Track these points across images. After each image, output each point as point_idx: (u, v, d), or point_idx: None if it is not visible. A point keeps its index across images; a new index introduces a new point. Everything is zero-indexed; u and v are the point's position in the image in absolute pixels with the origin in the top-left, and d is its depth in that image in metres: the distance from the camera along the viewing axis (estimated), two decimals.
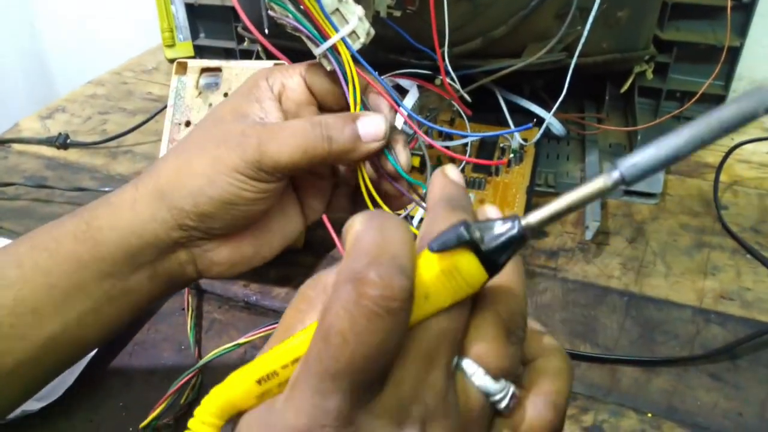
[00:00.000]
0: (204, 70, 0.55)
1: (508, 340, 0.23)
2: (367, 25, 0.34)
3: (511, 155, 0.65)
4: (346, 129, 0.34)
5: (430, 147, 0.65)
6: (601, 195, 0.20)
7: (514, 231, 0.21)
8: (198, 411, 0.23)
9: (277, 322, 0.48)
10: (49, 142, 0.74)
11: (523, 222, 0.21)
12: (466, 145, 0.64)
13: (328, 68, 0.35)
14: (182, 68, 0.56)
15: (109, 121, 0.81)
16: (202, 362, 0.44)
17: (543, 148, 0.69)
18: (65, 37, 1.22)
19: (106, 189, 0.66)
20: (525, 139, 0.65)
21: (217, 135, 0.34)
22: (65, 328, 0.34)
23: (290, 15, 0.33)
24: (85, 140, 0.75)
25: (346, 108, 0.35)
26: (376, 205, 0.37)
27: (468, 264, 0.21)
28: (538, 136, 0.64)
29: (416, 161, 0.62)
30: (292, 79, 0.36)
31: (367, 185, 0.36)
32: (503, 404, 0.23)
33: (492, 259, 0.21)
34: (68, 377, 0.44)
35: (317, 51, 0.34)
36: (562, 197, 0.20)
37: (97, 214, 0.35)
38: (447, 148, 0.65)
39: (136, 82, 0.90)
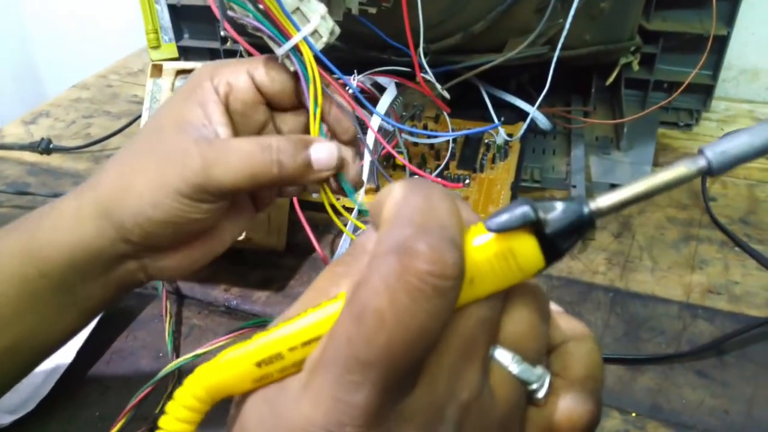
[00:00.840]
0: (179, 72, 0.54)
1: (542, 320, 0.21)
2: (330, 23, 0.33)
3: (496, 152, 0.64)
4: (298, 156, 0.32)
5: (415, 145, 0.65)
6: (682, 182, 0.18)
7: (584, 215, 0.19)
8: (179, 392, 0.20)
9: (252, 324, 0.47)
10: (31, 147, 0.74)
11: (593, 205, 0.19)
12: (449, 142, 0.63)
13: (291, 69, 0.34)
14: (157, 71, 0.55)
15: (94, 125, 0.80)
16: (161, 374, 0.43)
17: (529, 143, 0.68)
18: (53, 41, 1.22)
19: None
20: (510, 135, 0.64)
21: (158, 150, 0.33)
22: (18, 340, 0.33)
23: (250, 15, 0.32)
24: (69, 145, 0.75)
25: (299, 107, 0.34)
26: (339, 215, 0.36)
27: (528, 248, 0.18)
28: (522, 130, 0.63)
29: (398, 161, 0.62)
30: (239, 77, 0.34)
31: (329, 197, 0.36)
32: (542, 393, 0.21)
33: (554, 245, 0.18)
34: (42, 389, 0.44)
35: (279, 51, 0.33)
36: (638, 182, 0.19)
37: (42, 226, 0.34)
38: (431, 147, 0.65)
39: (121, 84, 0.89)
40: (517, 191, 0.61)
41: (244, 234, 0.50)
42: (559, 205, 0.19)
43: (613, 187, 0.60)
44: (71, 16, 1.16)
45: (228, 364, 0.20)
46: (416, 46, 0.52)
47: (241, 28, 0.34)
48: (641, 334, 0.49)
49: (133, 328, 0.50)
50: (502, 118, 0.59)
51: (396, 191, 0.19)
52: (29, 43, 1.24)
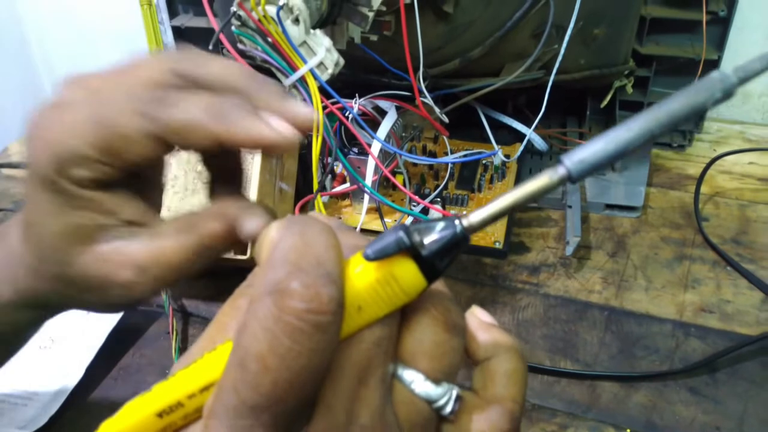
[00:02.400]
0: None
1: (448, 336, 0.21)
2: (335, 55, 0.35)
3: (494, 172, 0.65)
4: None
5: (414, 165, 0.66)
6: (546, 192, 0.19)
7: (457, 233, 0.19)
8: None
9: None
10: None
11: (465, 223, 0.19)
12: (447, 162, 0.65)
13: (298, 99, 0.35)
14: None
15: None
16: None
17: (526, 164, 0.70)
18: (56, 59, 1.23)
19: None
20: (507, 155, 0.66)
21: (80, 281, 0.28)
22: None
23: (259, 47, 0.34)
24: None
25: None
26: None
27: (407, 271, 0.19)
28: (519, 152, 0.65)
29: (400, 179, 0.63)
30: (91, 170, 0.26)
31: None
32: (448, 409, 0.21)
33: (433, 265, 0.19)
34: (52, 405, 0.45)
35: (286, 82, 0.35)
36: (504, 195, 0.19)
37: None
38: (431, 167, 0.66)
39: None
40: (515, 211, 0.63)
41: (248, 253, 0.51)
42: (434, 226, 0.19)
43: (609, 207, 0.61)
44: (74, 35, 1.18)
45: (127, 415, 0.19)
46: (416, 70, 0.53)
47: (250, 59, 0.36)
48: (635, 351, 0.50)
49: (140, 346, 0.51)
50: (498, 148, 0.61)
51: (272, 231, 0.20)
52: (33, 62, 1.26)
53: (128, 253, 0.26)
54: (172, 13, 0.82)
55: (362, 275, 0.19)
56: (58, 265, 0.27)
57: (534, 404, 0.46)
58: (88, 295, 0.28)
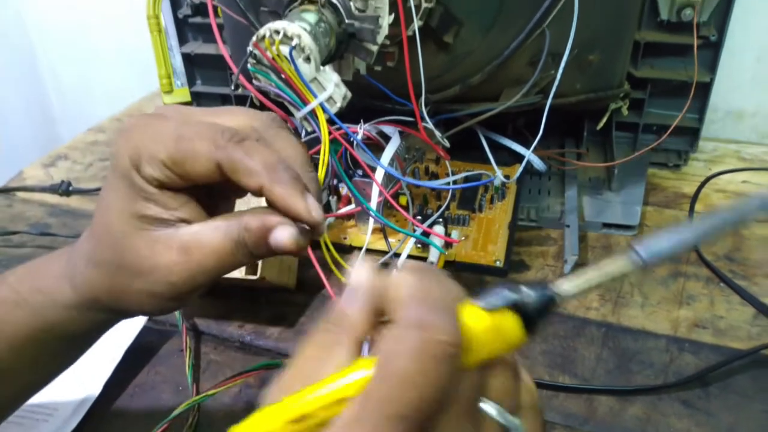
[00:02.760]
0: None
1: (516, 379, 0.25)
2: (343, 90, 0.37)
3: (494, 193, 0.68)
4: (263, 244, 0.32)
5: (417, 187, 0.69)
6: (624, 275, 0.23)
7: (554, 299, 0.24)
8: None
9: (259, 367, 0.50)
10: (52, 189, 0.78)
11: (557, 289, 0.24)
12: (449, 183, 0.67)
13: (309, 129, 0.38)
14: None
15: None
16: (177, 411, 0.46)
17: (525, 184, 0.72)
18: (66, 81, 1.27)
19: None
20: (507, 176, 0.68)
21: (131, 264, 0.32)
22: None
23: (273, 83, 0.36)
24: (87, 187, 0.78)
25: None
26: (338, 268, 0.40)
27: (513, 324, 0.23)
28: (519, 172, 0.67)
29: (403, 200, 0.66)
30: (161, 172, 0.31)
31: (331, 251, 0.39)
32: None
33: (533, 322, 0.23)
34: (72, 420, 0.47)
35: (298, 115, 0.37)
36: (590, 272, 0.24)
37: (44, 311, 0.35)
38: (432, 189, 0.69)
39: None
40: (515, 230, 0.65)
41: (258, 273, 0.53)
42: (532, 290, 0.24)
43: (606, 226, 0.63)
44: (83, 58, 1.21)
45: (261, 421, 0.22)
46: (418, 96, 0.56)
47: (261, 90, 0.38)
48: (631, 366, 0.52)
49: (155, 363, 0.54)
50: (497, 174, 0.63)
51: (408, 277, 0.24)
52: (43, 85, 1.29)
53: (175, 236, 0.32)
54: (182, 40, 0.85)
55: (477, 322, 0.23)
56: (115, 248, 0.32)
57: None
58: (137, 281, 0.32)
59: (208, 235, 0.32)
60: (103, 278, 0.33)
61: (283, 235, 0.31)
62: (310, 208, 0.31)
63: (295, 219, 0.31)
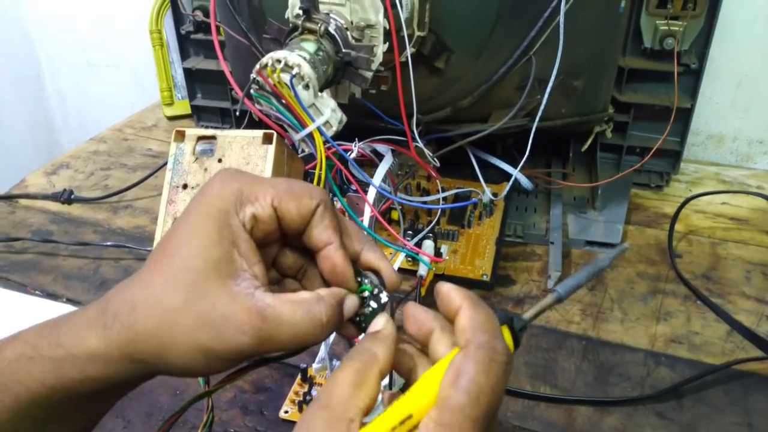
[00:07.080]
0: (200, 138, 0.61)
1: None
2: (339, 114, 0.40)
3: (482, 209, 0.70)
4: (339, 319, 0.33)
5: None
6: (550, 306, 0.31)
7: (524, 322, 0.31)
8: None
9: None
10: (54, 197, 0.80)
11: (525, 316, 0.31)
12: (439, 200, 0.70)
13: (307, 151, 0.40)
14: (180, 136, 0.61)
15: (111, 176, 0.86)
16: (187, 403, 0.47)
17: (512, 201, 0.75)
18: (69, 93, 1.29)
19: (107, 243, 0.71)
20: (495, 194, 0.71)
21: (200, 308, 0.30)
22: None
23: (274, 108, 0.39)
24: (88, 195, 0.81)
25: (304, 227, 0.34)
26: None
27: (508, 337, 0.30)
28: (506, 190, 0.70)
29: (395, 215, 0.68)
30: (264, 210, 0.32)
31: None
32: None
33: (517, 337, 0.30)
34: None
35: (296, 137, 0.40)
36: (536, 306, 0.32)
37: (63, 365, 0.32)
38: (424, 203, 0.71)
39: (136, 138, 0.96)
40: (502, 246, 0.67)
41: None
42: (513, 314, 0.31)
43: (589, 244, 0.67)
44: (86, 71, 1.24)
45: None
46: (410, 118, 0.58)
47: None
48: (610, 378, 0.54)
49: None
50: (485, 191, 0.66)
51: (471, 304, 0.30)
52: (46, 96, 1.31)
53: (257, 299, 0.31)
54: (184, 55, 0.87)
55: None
56: (189, 293, 0.31)
57: (515, 426, 0.50)
58: (200, 331, 0.30)
59: (292, 312, 0.31)
60: (155, 325, 0.31)
61: (350, 304, 0.34)
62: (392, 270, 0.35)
63: (379, 278, 0.35)
